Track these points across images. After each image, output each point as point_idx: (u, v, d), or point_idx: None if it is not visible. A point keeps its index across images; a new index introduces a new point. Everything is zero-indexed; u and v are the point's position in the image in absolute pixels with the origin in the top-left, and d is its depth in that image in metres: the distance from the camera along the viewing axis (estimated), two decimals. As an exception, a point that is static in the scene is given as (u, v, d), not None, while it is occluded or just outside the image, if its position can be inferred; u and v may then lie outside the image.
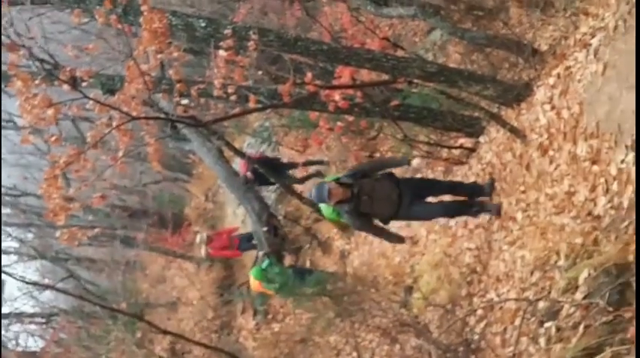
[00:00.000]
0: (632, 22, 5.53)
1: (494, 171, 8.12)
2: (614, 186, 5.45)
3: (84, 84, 5.63)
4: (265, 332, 14.12)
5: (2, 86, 6.53)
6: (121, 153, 6.64)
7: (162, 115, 5.77)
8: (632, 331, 4.20)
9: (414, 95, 8.91)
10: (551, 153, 6.64)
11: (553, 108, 6.68)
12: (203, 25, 7.19)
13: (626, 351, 4.12)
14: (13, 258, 24.08)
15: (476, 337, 6.74)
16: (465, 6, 10.94)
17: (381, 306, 9.93)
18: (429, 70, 7.69)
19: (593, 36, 6.34)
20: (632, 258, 4.62)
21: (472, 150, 8.94)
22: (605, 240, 5.16)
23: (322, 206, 8.18)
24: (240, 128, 17.08)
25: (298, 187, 13.96)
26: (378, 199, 7.48)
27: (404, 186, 7.70)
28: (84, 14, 6.41)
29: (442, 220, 8.90)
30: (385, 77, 8.11)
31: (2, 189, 21.48)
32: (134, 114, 5.78)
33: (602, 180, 5.63)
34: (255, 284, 11.46)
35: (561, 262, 5.47)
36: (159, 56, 5.85)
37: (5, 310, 20.85)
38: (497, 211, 7.68)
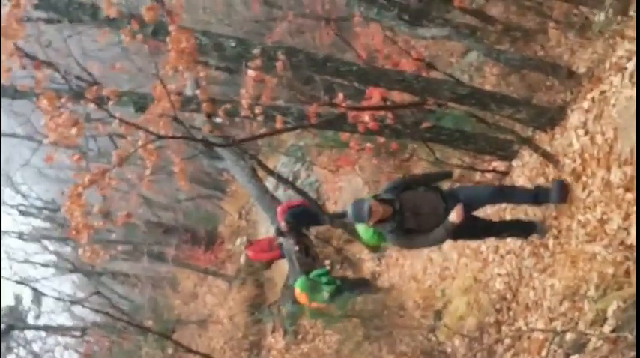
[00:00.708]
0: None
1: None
2: (647, 215, 5.28)
3: (110, 102, 5.64)
4: (295, 352, 14.04)
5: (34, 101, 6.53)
6: (148, 172, 6.63)
7: (188, 134, 5.71)
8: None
9: (446, 117, 8.80)
10: (584, 179, 6.47)
11: (587, 133, 6.52)
12: (233, 45, 7.19)
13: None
14: (51, 270, 24.40)
15: (503, 367, 6.58)
16: (502, 27, 10.82)
17: (409, 331, 9.85)
18: (460, 92, 7.59)
19: (629, 59, 6.18)
20: (663, 290, 4.44)
21: (505, 173, 8.78)
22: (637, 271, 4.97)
23: (360, 228, 7.17)
24: (273, 147, 17.09)
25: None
26: (423, 214, 6.71)
27: (450, 198, 6.92)
28: (113, 33, 6.44)
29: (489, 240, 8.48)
30: (416, 99, 8.04)
31: (41, 204, 21.88)
32: (161, 133, 5.78)
33: (634, 208, 5.46)
34: (301, 297, 11.19)
35: (591, 292, 5.31)
36: (186, 75, 5.83)
37: (41, 322, 21.09)
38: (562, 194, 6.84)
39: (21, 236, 21.77)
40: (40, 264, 23.99)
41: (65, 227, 21.76)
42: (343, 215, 14.29)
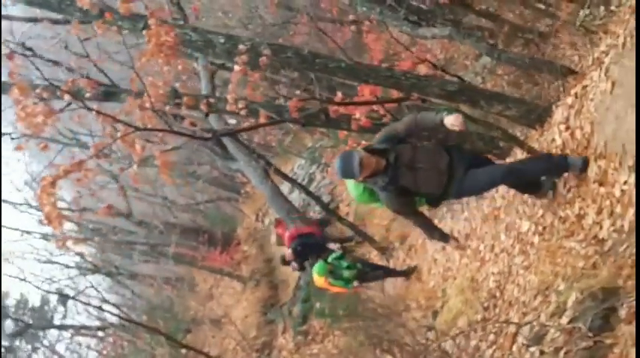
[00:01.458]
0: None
1: (517, 193, 7.93)
2: (618, 209, 5.23)
3: (87, 94, 5.75)
4: (304, 353, 14.09)
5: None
6: (135, 166, 6.73)
7: (167, 127, 5.79)
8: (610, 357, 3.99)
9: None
10: (565, 174, 6.42)
11: (568, 128, 6.48)
12: (222, 41, 7.27)
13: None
14: (75, 272, 24.76)
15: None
16: (511, 28, 10.77)
17: (409, 331, 9.85)
18: (449, 89, 7.57)
19: (607, 54, 6.14)
20: (621, 282, 4.42)
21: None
22: (602, 263, 4.94)
23: (350, 184, 6.20)
24: (284, 150, 17.23)
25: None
26: (421, 170, 5.79)
27: (456, 152, 6.00)
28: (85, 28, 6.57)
29: (502, 190, 8.10)
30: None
31: (65, 205, 22.18)
32: (139, 125, 5.87)
33: (608, 202, 5.42)
34: (319, 281, 10.93)
35: (560, 286, 5.27)
36: (165, 69, 5.92)
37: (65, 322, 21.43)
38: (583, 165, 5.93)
39: (45, 236, 22.13)
40: (64, 264, 24.38)
41: (86, 228, 22.18)
42: (350, 238, 14.38)
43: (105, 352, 20.32)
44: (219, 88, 13.49)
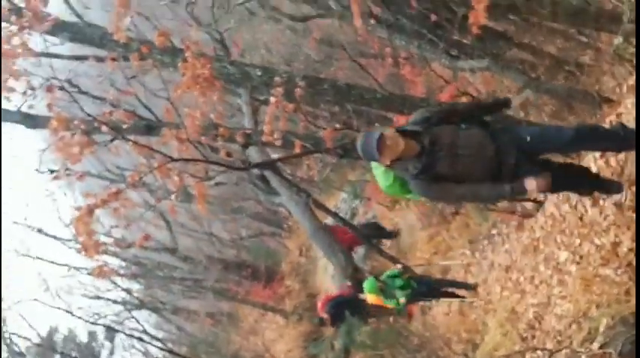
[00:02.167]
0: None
1: (554, 223, 7.88)
2: (653, 235, 5.19)
3: (125, 126, 5.94)
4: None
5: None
6: (173, 196, 6.87)
7: (203, 158, 5.95)
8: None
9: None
10: (601, 202, 6.39)
11: (603, 156, 6.45)
12: (259, 73, 7.45)
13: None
14: (120, 307, 25.07)
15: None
16: (550, 59, 10.76)
17: (451, 361, 9.81)
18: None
19: (642, 80, 6.14)
20: (652, 307, 4.36)
21: (541, 202, 8.72)
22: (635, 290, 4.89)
23: (377, 172, 5.26)
24: (328, 184, 17.34)
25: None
26: (462, 156, 4.87)
27: (503, 138, 5.04)
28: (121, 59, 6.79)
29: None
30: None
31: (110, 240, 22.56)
32: (175, 156, 6.03)
33: (635, 219, 5.38)
34: (372, 298, 10.40)
35: (593, 313, 5.22)
36: (201, 100, 6.09)
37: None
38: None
39: (90, 272, 22.51)
40: (111, 300, 24.70)
41: (133, 263, 22.51)
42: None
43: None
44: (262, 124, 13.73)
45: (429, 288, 10.66)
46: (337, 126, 6.79)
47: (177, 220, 22.47)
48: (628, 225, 5.68)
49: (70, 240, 22.50)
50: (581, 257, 6.73)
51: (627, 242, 5.61)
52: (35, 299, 20.14)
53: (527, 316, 7.95)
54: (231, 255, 23.32)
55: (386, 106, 7.67)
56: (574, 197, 7.12)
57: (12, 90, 5.84)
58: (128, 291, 24.52)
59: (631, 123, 6.00)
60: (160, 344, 16.43)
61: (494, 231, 10.54)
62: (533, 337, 7.25)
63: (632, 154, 5.84)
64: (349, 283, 13.80)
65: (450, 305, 11.66)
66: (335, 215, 14.75)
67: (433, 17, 9.21)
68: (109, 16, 7.73)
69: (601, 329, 4.65)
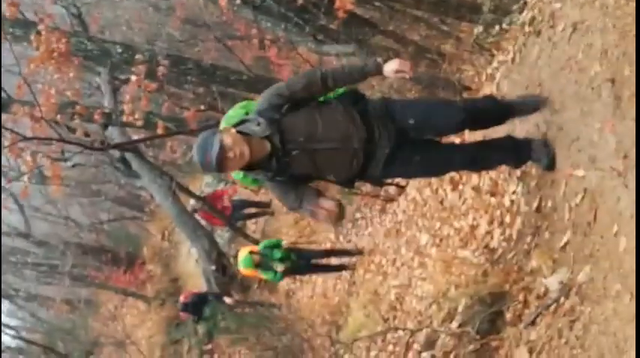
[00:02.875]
0: (525, 52, 5.54)
1: (416, 207, 8.08)
2: (507, 218, 5.39)
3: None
4: (210, 373, 13.93)
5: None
6: (25, 178, 6.50)
7: (57, 136, 5.63)
8: (496, 361, 4.09)
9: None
10: (460, 187, 6.61)
11: (461, 141, 6.65)
12: (119, 50, 7.17)
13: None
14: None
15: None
16: (414, 48, 10.99)
17: (313, 346, 9.89)
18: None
19: (498, 69, 6.36)
20: (508, 287, 4.54)
21: (404, 187, 8.91)
22: (492, 271, 5.08)
23: None
24: (191, 167, 17.04)
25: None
26: (323, 152, 4.00)
27: (376, 121, 4.10)
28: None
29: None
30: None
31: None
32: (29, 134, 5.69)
33: (498, 212, 5.58)
34: (247, 272, 9.88)
35: (451, 293, 5.38)
36: (56, 76, 5.77)
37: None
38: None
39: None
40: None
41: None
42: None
43: (1, 377, 19.48)
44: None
45: (308, 262, 10.22)
46: (202, 107, 6.60)
47: (31, 203, 21.48)
48: (485, 208, 5.88)
49: None
50: (441, 240, 6.93)
51: (484, 225, 5.80)
52: None
53: (388, 297, 8.12)
54: (91, 240, 22.55)
55: (252, 88, 7.58)
56: (435, 181, 7.32)
57: None
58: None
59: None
60: (13, 332, 15.62)
61: (358, 215, 10.69)
62: (395, 318, 7.42)
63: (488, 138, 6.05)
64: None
65: (315, 288, 11.78)
66: (199, 198, 14.53)
67: (300, 0, 9.17)
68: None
69: (460, 308, 4.80)
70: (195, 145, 3.93)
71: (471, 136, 5.47)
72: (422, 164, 4.29)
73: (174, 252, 19.04)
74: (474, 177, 6.26)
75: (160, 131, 6.37)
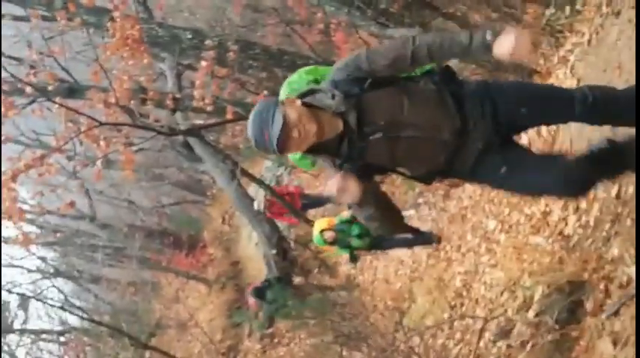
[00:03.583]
0: (603, 34, 5.39)
1: (483, 192, 7.98)
2: (584, 205, 5.26)
3: (50, 88, 5.66)
4: (271, 356, 14.02)
5: None
6: (99, 162, 6.62)
7: (132, 122, 5.71)
8: (577, 350, 4.01)
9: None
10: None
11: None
12: (189, 36, 7.22)
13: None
14: (36, 276, 24.37)
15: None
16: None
17: (377, 331, 9.86)
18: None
19: (572, 52, 6.20)
20: (586, 275, 4.43)
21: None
22: (568, 258, 4.97)
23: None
24: (252, 151, 17.10)
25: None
26: (408, 140, 3.27)
27: (476, 109, 3.37)
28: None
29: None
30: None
31: (26, 208, 21.76)
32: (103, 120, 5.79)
33: (635, 207, 5.44)
34: (323, 248, 9.73)
35: (525, 281, 5.29)
36: (130, 63, 5.84)
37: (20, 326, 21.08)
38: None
39: (5, 240, 21.76)
40: (25, 268, 23.98)
41: (49, 231, 21.85)
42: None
43: (67, 357, 20.03)
44: (187, 89, 13.39)
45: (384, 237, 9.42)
46: (265, 92, 6.60)
47: (96, 187, 21.91)
48: (559, 194, 5.76)
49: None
50: (510, 226, 6.82)
51: (558, 211, 5.68)
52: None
53: (454, 284, 8.05)
54: (153, 223, 22.95)
55: (319, 73, 7.54)
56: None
57: None
58: (44, 259, 23.85)
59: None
60: (81, 313, 16.02)
61: (420, 200, 10.60)
62: (462, 305, 7.34)
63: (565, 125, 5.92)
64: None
65: (376, 273, 11.75)
66: (261, 183, 14.62)
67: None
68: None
69: (536, 297, 4.71)
70: (250, 118, 3.17)
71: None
72: (508, 179, 3.42)
73: (235, 236, 19.22)
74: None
75: (229, 116, 6.39)
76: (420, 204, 10.64)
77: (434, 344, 7.48)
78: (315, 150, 3.25)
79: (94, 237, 21.77)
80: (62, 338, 22.34)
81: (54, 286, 21.47)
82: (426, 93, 3.31)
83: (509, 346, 4.65)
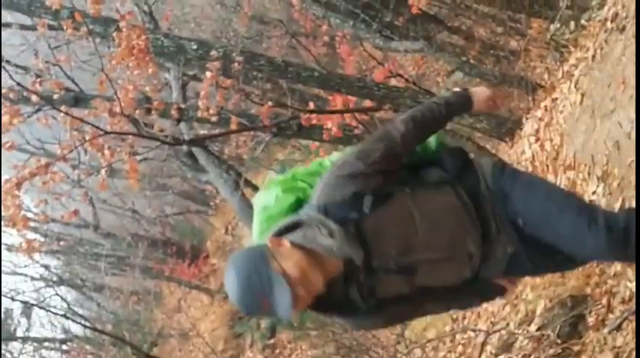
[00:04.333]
0: (608, 49, 5.40)
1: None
2: (586, 219, 5.26)
3: (55, 96, 5.69)
4: (271, 368, 14.03)
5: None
6: (103, 171, 6.64)
7: (136, 132, 5.73)
8: (579, 365, 4.01)
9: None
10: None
11: (538, 140, 6.55)
12: (194, 47, 7.24)
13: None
14: (40, 283, 24.35)
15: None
16: (481, 44, 10.88)
17: (379, 342, 9.84)
18: (422, 99, 7.60)
19: (577, 67, 6.22)
20: (589, 290, 4.43)
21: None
22: (570, 273, 4.96)
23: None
24: (256, 162, 17.18)
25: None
26: (427, 265, 2.46)
27: (489, 198, 2.59)
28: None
29: None
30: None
31: (30, 215, 21.79)
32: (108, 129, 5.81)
33: (635, 205, 5.45)
34: None
35: (530, 295, 5.29)
36: (136, 73, 5.87)
37: (22, 334, 21.08)
38: None
39: (9, 248, 21.80)
40: (29, 276, 23.97)
41: (52, 240, 21.85)
42: None
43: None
44: (191, 99, 13.45)
45: None
46: (269, 104, 6.63)
47: (100, 196, 21.95)
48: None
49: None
50: (512, 240, 6.83)
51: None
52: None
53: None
54: (156, 233, 22.98)
55: (323, 85, 7.58)
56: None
57: None
58: (47, 268, 23.84)
59: (566, 108, 6.08)
60: (83, 322, 16.02)
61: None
62: (464, 317, 7.34)
63: (567, 137, 5.93)
64: None
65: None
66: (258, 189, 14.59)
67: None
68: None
69: (538, 311, 4.71)
70: (232, 281, 2.31)
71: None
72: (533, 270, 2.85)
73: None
74: (550, 177, 6.14)
75: (233, 127, 6.41)
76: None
77: (435, 356, 7.48)
78: (320, 304, 2.42)
79: (98, 246, 21.75)
80: (64, 347, 22.32)
81: (57, 294, 21.43)
82: (438, 198, 2.54)
83: (510, 360, 4.64)
